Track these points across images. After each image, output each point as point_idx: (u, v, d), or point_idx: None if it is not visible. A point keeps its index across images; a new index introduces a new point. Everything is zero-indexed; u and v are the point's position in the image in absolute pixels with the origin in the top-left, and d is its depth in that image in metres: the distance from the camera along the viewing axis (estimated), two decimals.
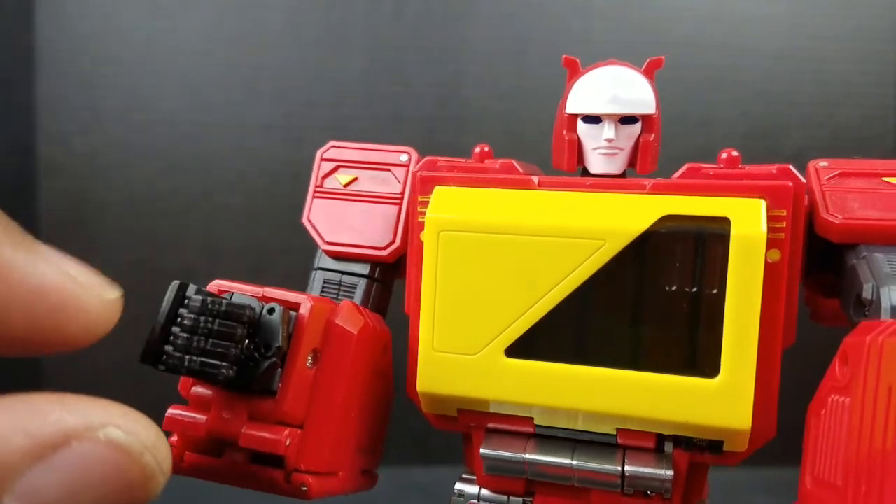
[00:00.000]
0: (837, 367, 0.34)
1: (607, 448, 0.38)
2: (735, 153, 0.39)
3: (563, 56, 0.41)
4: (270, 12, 0.88)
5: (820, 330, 0.41)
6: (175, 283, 0.33)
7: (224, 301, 0.32)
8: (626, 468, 0.37)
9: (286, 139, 0.89)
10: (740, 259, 0.35)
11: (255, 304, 0.34)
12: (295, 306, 0.35)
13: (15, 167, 0.88)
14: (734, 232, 0.35)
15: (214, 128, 0.89)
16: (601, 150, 0.40)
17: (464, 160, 0.42)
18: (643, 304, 0.36)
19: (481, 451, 0.38)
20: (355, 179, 0.44)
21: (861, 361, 0.32)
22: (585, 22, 0.88)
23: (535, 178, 0.40)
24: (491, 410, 0.39)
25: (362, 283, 0.42)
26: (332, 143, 0.45)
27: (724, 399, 0.35)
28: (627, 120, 0.39)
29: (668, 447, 0.37)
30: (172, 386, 0.36)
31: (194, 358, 0.31)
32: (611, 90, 0.39)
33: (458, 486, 0.41)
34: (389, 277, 0.44)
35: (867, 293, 0.36)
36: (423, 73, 0.88)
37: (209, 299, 0.32)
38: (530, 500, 0.39)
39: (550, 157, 0.42)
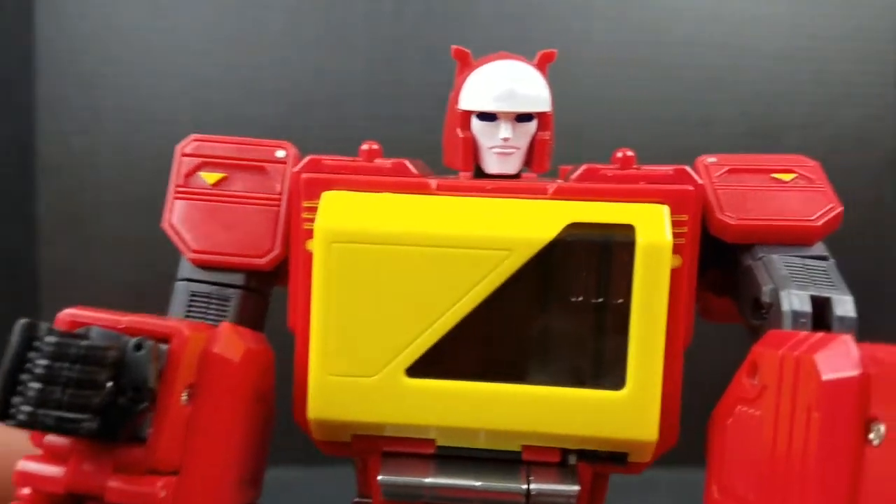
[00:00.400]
0: (745, 377, 0.33)
1: (510, 465, 0.36)
2: (630, 153, 0.37)
3: (453, 47, 0.39)
4: (270, 12, 0.88)
5: (702, 325, 0.40)
6: (22, 323, 0.28)
7: (83, 343, 0.28)
8: (532, 486, 0.35)
9: (286, 139, 0.89)
10: (645, 268, 0.34)
11: (119, 340, 0.29)
12: (165, 336, 0.31)
13: (14, 167, 0.88)
14: (639, 240, 0.34)
15: (214, 128, 0.88)
16: (497, 149, 0.38)
17: (351, 159, 0.38)
18: (548, 316, 0.35)
19: (380, 478, 0.36)
20: (225, 178, 0.40)
21: (774, 376, 0.31)
22: (585, 22, 0.88)
23: (434, 182, 0.37)
24: (389, 434, 0.36)
25: (237, 294, 0.37)
26: (192, 136, 0.41)
27: (630, 411, 0.34)
28: (523, 118, 0.38)
29: (573, 460, 0.36)
30: None
31: (49, 412, 0.27)
32: (507, 86, 0.37)
33: None
34: (267, 286, 0.39)
35: (766, 296, 0.35)
36: (423, 73, 0.88)
37: (64, 341, 0.28)
38: None
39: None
